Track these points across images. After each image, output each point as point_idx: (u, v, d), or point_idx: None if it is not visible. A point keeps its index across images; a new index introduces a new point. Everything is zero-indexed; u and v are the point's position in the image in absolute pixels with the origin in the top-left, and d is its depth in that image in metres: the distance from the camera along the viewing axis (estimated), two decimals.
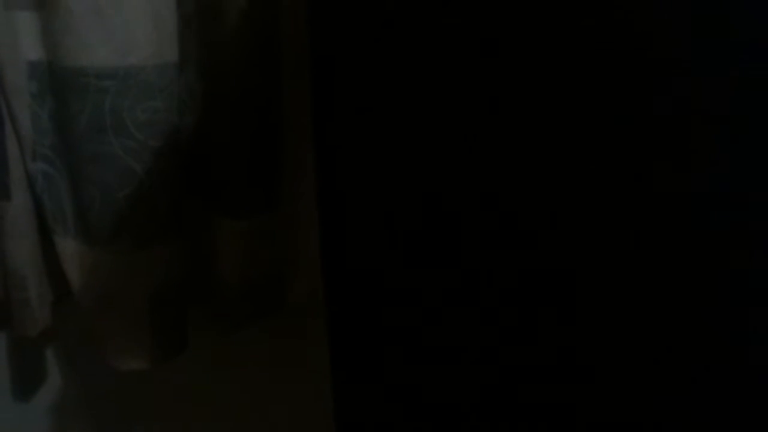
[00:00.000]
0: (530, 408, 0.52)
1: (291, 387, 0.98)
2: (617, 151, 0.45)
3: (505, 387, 0.52)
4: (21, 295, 0.85)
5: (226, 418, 1.02)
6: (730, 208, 0.43)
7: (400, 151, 0.51)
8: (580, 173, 0.46)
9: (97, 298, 0.85)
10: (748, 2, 0.40)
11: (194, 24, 0.80)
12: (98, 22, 0.76)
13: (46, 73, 0.80)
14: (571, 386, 0.50)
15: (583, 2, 0.44)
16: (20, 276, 0.84)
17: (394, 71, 0.50)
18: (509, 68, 0.46)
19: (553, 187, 0.47)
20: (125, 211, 0.80)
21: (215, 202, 0.85)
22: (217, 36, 0.79)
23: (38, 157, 0.82)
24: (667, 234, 0.45)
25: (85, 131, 0.78)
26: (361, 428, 0.60)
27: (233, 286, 0.87)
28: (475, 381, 0.53)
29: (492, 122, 0.48)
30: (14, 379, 1.01)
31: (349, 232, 0.55)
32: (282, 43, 0.82)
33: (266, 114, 0.83)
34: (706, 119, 0.43)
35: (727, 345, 0.45)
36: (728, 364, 0.46)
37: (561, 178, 0.47)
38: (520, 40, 0.46)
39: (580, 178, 0.47)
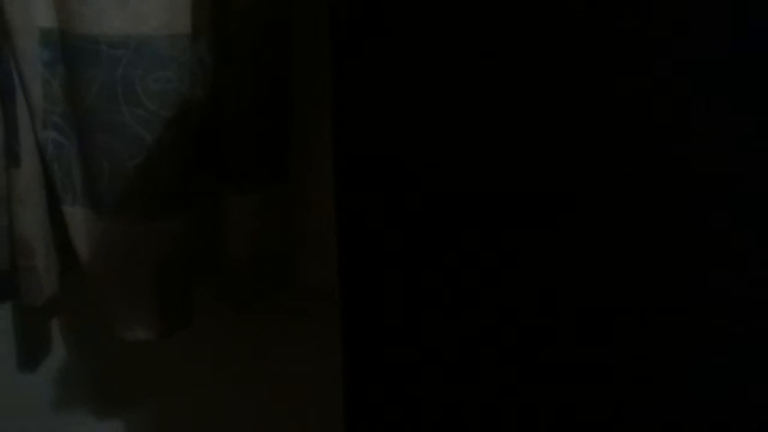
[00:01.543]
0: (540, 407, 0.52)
1: (296, 365, 0.98)
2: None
3: (523, 382, 0.52)
4: (28, 264, 0.85)
5: (231, 394, 1.02)
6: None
7: (425, 124, 0.50)
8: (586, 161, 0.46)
9: (104, 267, 0.85)
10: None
11: None
12: None
13: (58, 41, 0.80)
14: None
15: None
16: (28, 244, 0.84)
17: (417, 48, 0.49)
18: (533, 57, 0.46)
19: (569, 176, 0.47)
20: (134, 180, 0.80)
21: (224, 175, 0.85)
22: (229, 8, 0.79)
23: (49, 125, 0.82)
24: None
25: (96, 100, 0.78)
26: (372, 414, 0.59)
27: (241, 261, 0.87)
28: (492, 366, 0.53)
29: (516, 100, 0.47)
30: (20, 349, 1.02)
31: (366, 216, 0.55)
32: (294, 16, 0.81)
33: (277, 88, 0.83)
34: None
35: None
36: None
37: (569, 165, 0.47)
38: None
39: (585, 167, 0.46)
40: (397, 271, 0.54)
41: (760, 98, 0.42)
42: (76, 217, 0.84)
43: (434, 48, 0.49)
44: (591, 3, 0.44)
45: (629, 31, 0.44)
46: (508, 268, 0.50)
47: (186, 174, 0.83)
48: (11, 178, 0.83)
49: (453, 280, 0.52)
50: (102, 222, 0.83)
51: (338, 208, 0.55)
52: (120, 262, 0.84)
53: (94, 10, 0.76)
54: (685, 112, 0.44)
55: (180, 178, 0.83)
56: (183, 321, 0.88)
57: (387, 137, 0.52)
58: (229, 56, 0.81)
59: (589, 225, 0.47)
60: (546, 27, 0.45)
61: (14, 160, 0.82)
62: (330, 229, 0.57)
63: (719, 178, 0.44)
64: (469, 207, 0.50)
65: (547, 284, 0.49)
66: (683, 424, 0.48)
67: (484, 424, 0.54)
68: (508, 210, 0.49)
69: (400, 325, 0.55)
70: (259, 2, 0.79)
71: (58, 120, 0.82)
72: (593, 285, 0.48)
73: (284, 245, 0.90)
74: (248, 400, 1.02)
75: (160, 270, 0.84)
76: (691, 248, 0.45)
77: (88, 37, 0.77)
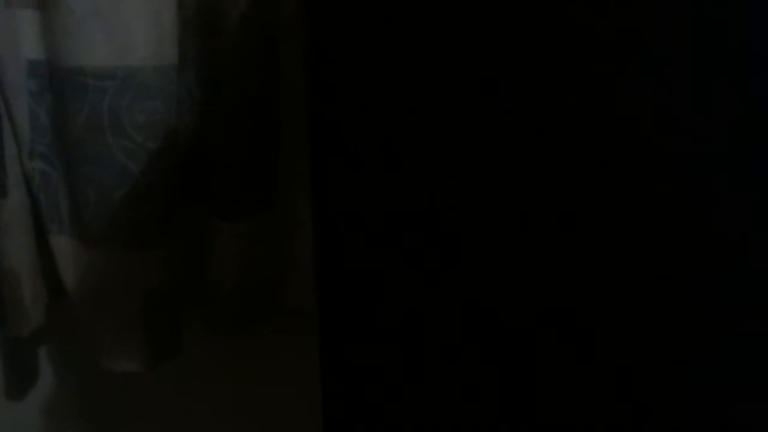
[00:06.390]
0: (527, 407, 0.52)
1: (286, 390, 0.98)
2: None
3: (499, 392, 0.52)
4: (15, 294, 0.85)
5: (220, 421, 1.01)
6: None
7: (397, 155, 0.51)
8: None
9: (91, 298, 0.85)
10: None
11: (194, 26, 0.80)
12: (98, 22, 0.76)
13: (45, 72, 0.80)
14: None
15: None
16: (14, 275, 0.84)
17: (390, 75, 0.50)
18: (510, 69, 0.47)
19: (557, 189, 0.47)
20: (120, 211, 0.80)
21: (211, 204, 0.85)
22: (216, 39, 0.79)
23: (35, 156, 0.82)
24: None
25: (82, 131, 0.78)
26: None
27: (228, 288, 0.87)
28: (470, 386, 0.53)
29: (493, 128, 0.48)
30: (7, 379, 1.01)
31: (343, 237, 0.55)
32: (280, 46, 0.82)
33: (264, 117, 0.83)
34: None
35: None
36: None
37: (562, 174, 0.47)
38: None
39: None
40: (377, 296, 0.54)
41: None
42: (63, 247, 0.84)
43: (411, 75, 0.49)
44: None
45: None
46: (488, 281, 0.51)
47: (173, 203, 0.83)
48: None
49: (434, 306, 0.52)
50: (89, 252, 0.83)
51: (316, 234, 0.56)
52: (107, 292, 0.84)
53: (81, 42, 0.76)
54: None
55: (167, 208, 0.83)
56: (171, 351, 0.88)
57: (366, 165, 0.52)
58: (216, 86, 0.81)
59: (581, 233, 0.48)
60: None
61: (1, 190, 0.82)
62: None
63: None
64: (452, 230, 0.51)
65: (527, 296, 0.50)
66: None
67: None
68: (483, 230, 0.50)
69: (382, 346, 0.55)
70: (247, 32, 0.79)
71: (45, 150, 0.82)
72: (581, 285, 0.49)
73: (272, 272, 0.90)
74: (238, 426, 1.01)
75: (148, 299, 0.84)
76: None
77: (74, 69, 0.77)
